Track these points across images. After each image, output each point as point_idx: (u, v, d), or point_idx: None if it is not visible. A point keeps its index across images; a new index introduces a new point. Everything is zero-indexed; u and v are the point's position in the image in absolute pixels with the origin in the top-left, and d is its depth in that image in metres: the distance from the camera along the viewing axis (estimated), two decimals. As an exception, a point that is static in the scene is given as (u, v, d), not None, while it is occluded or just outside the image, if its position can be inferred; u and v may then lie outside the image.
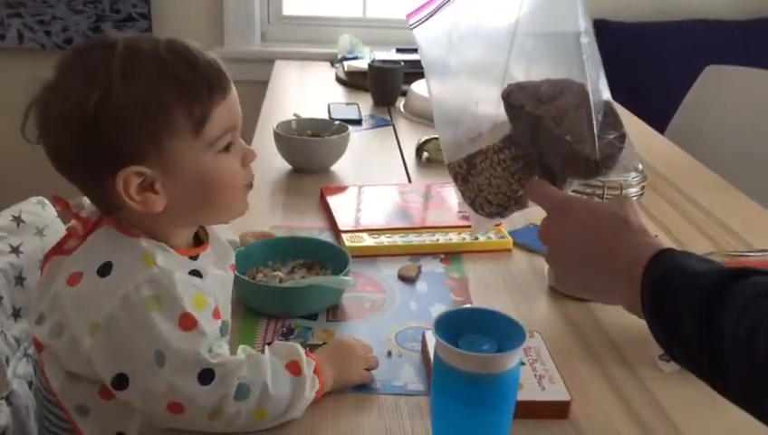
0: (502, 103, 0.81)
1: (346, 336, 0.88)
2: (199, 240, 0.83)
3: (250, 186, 0.81)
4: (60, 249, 0.78)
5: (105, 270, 0.72)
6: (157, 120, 0.71)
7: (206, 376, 0.71)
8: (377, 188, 1.34)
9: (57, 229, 1.00)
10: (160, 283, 0.72)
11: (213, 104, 0.73)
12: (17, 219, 0.98)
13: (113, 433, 0.78)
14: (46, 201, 1.03)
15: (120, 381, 0.71)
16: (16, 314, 0.94)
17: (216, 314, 0.76)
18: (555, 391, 0.79)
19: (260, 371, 0.74)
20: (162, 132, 0.71)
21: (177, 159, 0.73)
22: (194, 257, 0.78)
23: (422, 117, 1.75)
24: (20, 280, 0.95)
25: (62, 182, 0.81)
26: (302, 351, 0.78)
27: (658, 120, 1.93)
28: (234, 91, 0.76)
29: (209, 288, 0.76)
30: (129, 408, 0.74)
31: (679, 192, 1.39)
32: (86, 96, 0.69)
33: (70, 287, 0.73)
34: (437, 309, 0.97)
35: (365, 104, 1.86)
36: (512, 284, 1.05)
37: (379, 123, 1.75)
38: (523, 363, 0.79)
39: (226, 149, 0.76)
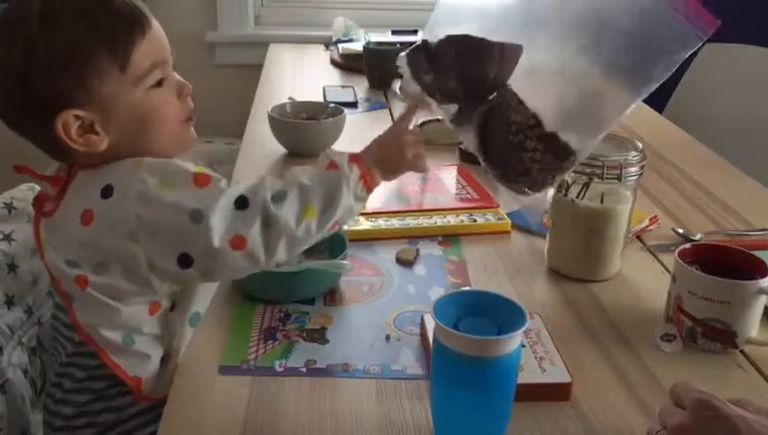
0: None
1: (393, 127, 0.87)
2: None
3: (190, 119, 0.83)
4: (42, 213, 0.80)
5: (107, 192, 0.75)
6: (81, 64, 0.74)
7: (241, 202, 0.74)
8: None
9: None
10: (159, 167, 0.75)
11: (133, 41, 0.75)
12: (8, 206, 0.97)
13: (152, 365, 0.81)
14: (38, 188, 1.01)
15: (185, 260, 0.74)
16: (10, 302, 0.93)
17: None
18: (556, 374, 0.78)
19: (294, 176, 0.78)
20: (89, 75, 0.74)
21: (109, 98, 0.75)
22: None
23: (418, 99, 1.73)
24: (13, 268, 0.94)
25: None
26: (336, 151, 0.80)
27: (657, 99, 1.92)
28: (155, 26, 0.78)
29: None
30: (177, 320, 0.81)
31: (679, 171, 1.38)
32: (10, 52, 0.73)
33: (87, 226, 0.75)
34: (436, 292, 0.96)
35: (360, 87, 1.84)
36: (510, 265, 1.04)
37: (375, 106, 1.73)
38: (523, 346, 0.79)
39: (159, 84, 0.78)
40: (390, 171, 0.83)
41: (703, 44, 0.79)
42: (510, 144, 0.86)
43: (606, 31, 0.80)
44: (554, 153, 0.85)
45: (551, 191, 0.93)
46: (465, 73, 0.89)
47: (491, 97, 0.88)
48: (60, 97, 0.74)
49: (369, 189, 0.80)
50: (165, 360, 0.83)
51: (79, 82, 0.74)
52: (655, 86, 0.81)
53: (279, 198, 0.75)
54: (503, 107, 0.87)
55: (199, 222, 0.73)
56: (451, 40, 0.89)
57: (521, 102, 0.86)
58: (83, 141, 0.76)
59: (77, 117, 0.75)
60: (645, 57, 0.80)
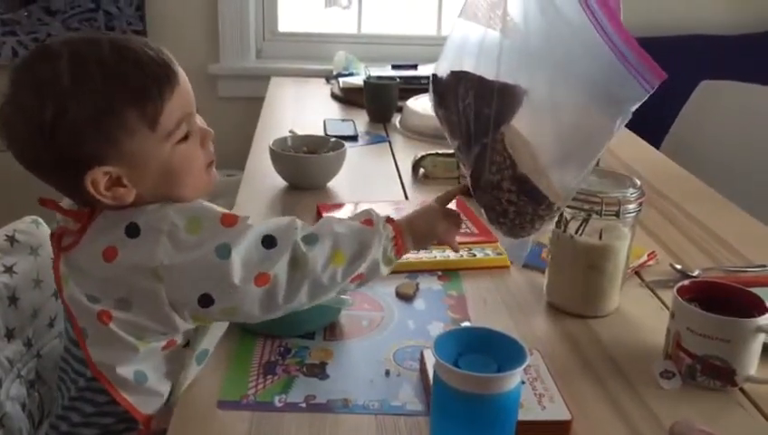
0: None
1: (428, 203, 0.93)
2: None
3: (211, 164, 0.84)
4: (60, 248, 0.80)
5: (134, 231, 0.76)
6: (111, 124, 0.74)
7: (268, 241, 0.76)
8: (373, 205, 1.33)
9: (51, 249, 0.99)
10: (187, 209, 0.77)
11: (163, 100, 0.75)
12: (11, 239, 0.97)
13: (161, 402, 0.81)
14: (41, 220, 1.02)
15: (206, 300, 0.75)
16: (10, 335, 0.93)
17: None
18: (555, 411, 0.78)
19: (328, 223, 0.80)
20: (119, 134, 0.74)
21: (138, 155, 0.76)
22: None
23: (418, 133, 1.75)
24: (14, 300, 0.94)
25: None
26: (375, 211, 0.84)
27: (654, 134, 1.94)
28: (182, 79, 0.78)
29: None
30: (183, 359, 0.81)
31: (676, 207, 1.39)
32: (41, 112, 0.73)
33: (110, 263, 0.75)
34: (435, 327, 0.96)
35: (361, 120, 1.86)
36: (510, 300, 1.04)
37: (375, 139, 1.75)
38: (522, 382, 0.79)
39: (185, 138, 0.79)
40: (421, 239, 0.87)
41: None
42: (490, 183, 0.87)
43: (574, 82, 0.80)
44: (528, 196, 0.86)
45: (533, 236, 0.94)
46: (463, 109, 0.90)
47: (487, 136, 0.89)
48: (89, 156, 0.74)
49: (399, 252, 0.83)
50: (169, 395, 0.83)
51: (108, 141, 0.74)
52: (612, 136, 0.81)
53: (311, 240, 0.77)
54: (489, 145, 0.88)
55: (225, 257, 0.74)
56: (453, 75, 0.90)
57: (502, 142, 0.87)
58: (111, 195, 0.76)
59: (105, 173, 0.75)
60: (603, 107, 0.80)
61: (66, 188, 0.79)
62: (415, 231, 0.86)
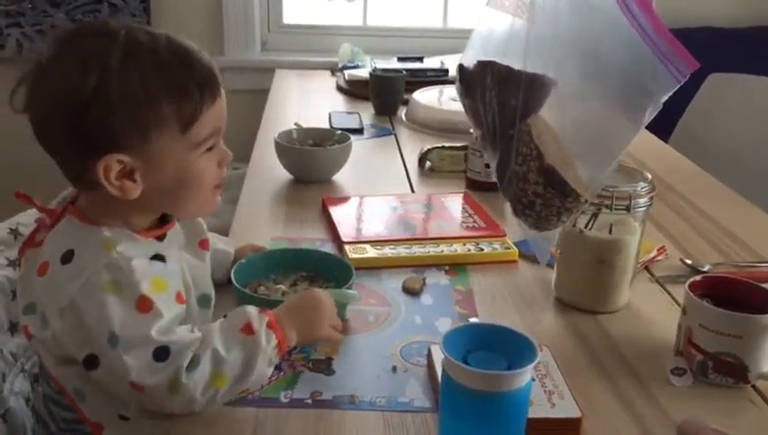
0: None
1: (315, 290, 0.87)
2: (165, 218, 0.83)
3: (219, 186, 0.83)
4: (32, 242, 0.80)
5: (68, 257, 0.74)
6: (147, 113, 0.73)
7: (162, 353, 0.71)
8: (379, 199, 1.32)
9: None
10: (119, 267, 0.73)
11: (203, 106, 0.75)
12: (14, 232, 0.97)
13: (114, 415, 0.79)
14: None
15: (91, 362, 0.73)
16: (13, 329, 0.93)
17: (180, 299, 0.77)
18: (566, 408, 0.77)
19: (209, 339, 0.74)
20: (150, 126, 0.73)
21: (160, 153, 0.75)
22: (160, 238, 0.80)
23: (424, 126, 1.74)
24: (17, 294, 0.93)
25: (60, 191, 0.81)
26: (254, 311, 0.77)
27: (662, 128, 1.92)
28: (223, 95, 0.78)
29: (172, 272, 0.78)
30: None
31: (686, 201, 1.38)
32: (83, 80, 0.71)
33: (40, 278, 0.75)
34: (443, 323, 0.95)
35: (366, 113, 1.85)
36: (518, 296, 1.03)
37: (381, 132, 1.74)
38: (532, 379, 0.78)
39: (209, 150, 0.78)
40: (305, 337, 0.82)
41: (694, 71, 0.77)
42: (516, 174, 0.85)
43: (603, 72, 0.79)
44: (555, 188, 0.84)
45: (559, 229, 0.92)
46: (490, 99, 0.88)
47: (513, 126, 0.87)
48: (113, 138, 0.73)
49: (283, 355, 0.79)
50: (128, 419, 0.80)
51: (137, 130, 0.73)
52: (641, 127, 0.79)
53: (192, 364, 0.72)
54: (516, 136, 0.86)
55: (112, 347, 0.71)
56: (480, 65, 0.88)
57: (529, 132, 0.85)
58: (119, 185, 0.74)
59: (120, 162, 0.74)
60: (633, 97, 0.78)
61: (71, 165, 0.76)
62: (300, 329, 0.80)
